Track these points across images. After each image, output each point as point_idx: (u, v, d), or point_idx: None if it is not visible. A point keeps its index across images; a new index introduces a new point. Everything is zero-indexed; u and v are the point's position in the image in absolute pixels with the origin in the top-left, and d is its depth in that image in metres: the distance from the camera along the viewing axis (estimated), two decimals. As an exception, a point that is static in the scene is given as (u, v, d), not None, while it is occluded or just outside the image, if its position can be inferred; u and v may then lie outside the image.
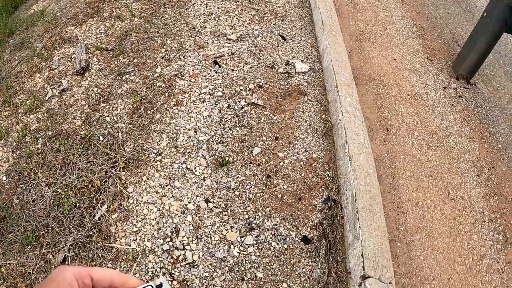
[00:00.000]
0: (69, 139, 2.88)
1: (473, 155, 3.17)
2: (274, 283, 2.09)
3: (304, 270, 2.14)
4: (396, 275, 2.31)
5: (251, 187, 2.44)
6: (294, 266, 2.15)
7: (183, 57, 3.12)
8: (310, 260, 2.19)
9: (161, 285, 0.56)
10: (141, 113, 2.90)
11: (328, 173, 2.54)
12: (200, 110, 2.79)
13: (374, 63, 3.43)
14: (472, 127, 3.37)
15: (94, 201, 2.43)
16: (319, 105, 2.85)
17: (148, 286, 0.54)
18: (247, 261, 2.17)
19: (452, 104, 3.46)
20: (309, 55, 3.17)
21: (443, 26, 4.31)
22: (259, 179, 2.47)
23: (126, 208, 2.47)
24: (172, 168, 2.57)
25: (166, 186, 2.52)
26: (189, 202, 2.42)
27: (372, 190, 2.35)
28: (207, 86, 2.91)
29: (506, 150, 3.37)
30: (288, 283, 2.10)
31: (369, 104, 3.04)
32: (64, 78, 3.43)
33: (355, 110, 2.67)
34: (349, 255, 2.10)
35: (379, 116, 2.99)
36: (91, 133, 2.87)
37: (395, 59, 3.57)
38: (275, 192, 2.42)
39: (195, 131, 2.70)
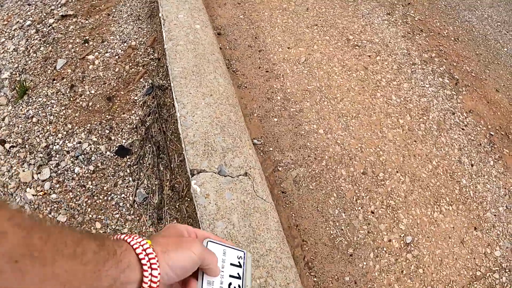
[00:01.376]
0: None
1: (377, -7, 2.37)
2: (85, 225, 1.44)
3: (124, 196, 1.47)
4: (274, 163, 1.58)
5: (52, 107, 1.81)
6: (109, 193, 1.49)
7: (1, 6, 2.60)
8: (131, 178, 1.52)
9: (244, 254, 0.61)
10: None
11: (153, 56, 1.86)
12: (6, 48, 2.22)
13: None
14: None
15: None
16: (146, -11, 2.19)
17: (242, 251, 0.61)
18: (45, 204, 1.53)
19: None
20: None
21: None
22: (62, 94, 1.84)
23: None
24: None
25: None
26: (-13, 153, 1.82)
27: (199, 47, 1.64)
28: (18, 22, 2.34)
29: None
30: (104, 221, 1.44)
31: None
32: None
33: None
34: (187, 150, 1.37)
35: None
36: None
37: None
38: (80, 103, 1.77)
39: (0, 72, 2.13)
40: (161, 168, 1.53)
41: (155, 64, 1.82)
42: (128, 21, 2.04)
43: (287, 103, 1.74)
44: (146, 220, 1.43)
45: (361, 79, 1.84)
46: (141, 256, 0.46)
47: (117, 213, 1.45)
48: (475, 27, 2.36)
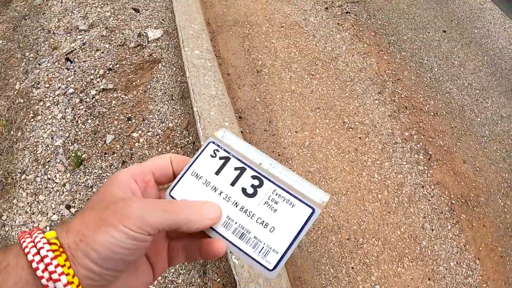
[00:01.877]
0: None
1: (371, 72, 2.85)
2: None
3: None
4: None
5: (108, 179, 2.25)
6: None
7: (39, 64, 2.93)
8: None
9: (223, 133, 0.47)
10: (5, 137, 2.75)
11: (188, 139, 2.31)
12: (54, 114, 2.61)
13: (240, 5, 3.12)
14: (365, 42, 3.04)
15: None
16: (174, 68, 2.60)
17: (209, 142, 0.47)
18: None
19: (338, 23, 3.12)
20: (163, 19, 2.90)
21: None
22: (115, 167, 2.28)
23: (4, 236, 2.35)
24: (36, 183, 2.42)
25: (33, 203, 2.37)
26: (53, 214, 2.27)
27: None
28: (60, 87, 2.71)
29: (412, 57, 3.03)
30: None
31: (234, 50, 2.75)
32: None
33: (205, 61, 2.41)
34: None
35: (247, 59, 2.71)
36: None
37: (266, -7, 3.24)
38: (132, 177, 2.22)
39: (52, 138, 2.52)
40: None
41: (191, 146, 2.29)
42: (163, 100, 2.46)
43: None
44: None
45: (352, 160, 2.36)
46: (34, 264, 0.31)
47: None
48: (454, 99, 2.80)
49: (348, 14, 3.14)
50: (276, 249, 0.40)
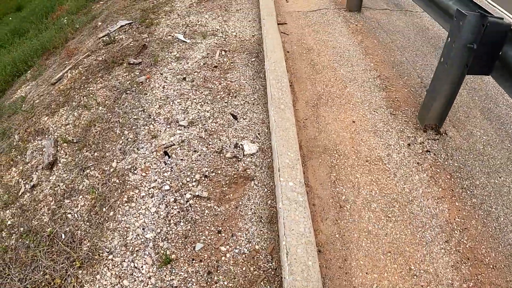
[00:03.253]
0: (37, 235, 3.00)
1: (442, 219, 3.02)
2: None
3: None
4: None
5: (192, 284, 2.44)
6: None
7: (137, 149, 3.22)
8: None
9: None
10: (97, 211, 3.00)
11: (271, 264, 2.50)
12: (148, 206, 2.84)
13: (331, 130, 3.39)
14: (441, 185, 3.23)
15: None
16: (266, 190, 2.84)
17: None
18: None
19: (418, 162, 3.35)
20: (259, 133, 3.19)
21: (410, 71, 4.23)
22: (201, 275, 2.47)
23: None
24: (122, 267, 2.61)
25: (117, 285, 2.56)
26: (135, 304, 2.44)
27: (309, 285, 2.30)
28: (156, 180, 2.97)
29: (481, 205, 3.18)
30: None
31: (321, 180, 2.99)
32: (35, 173, 3.60)
33: (297, 195, 2.65)
34: None
35: (332, 192, 2.94)
36: (55, 231, 2.99)
37: (354, 122, 3.53)
38: (216, 292, 2.41)
39: (143, 229, 2.74)
40: None
41: (272, 273, 2.48)
42: (252, 219, 2.68)
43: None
44: None
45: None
46: None
47: None
48: (514, 252, 2.90)
49: (428, 153, 3.37)
50: None
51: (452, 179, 3.30)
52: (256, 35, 4.91)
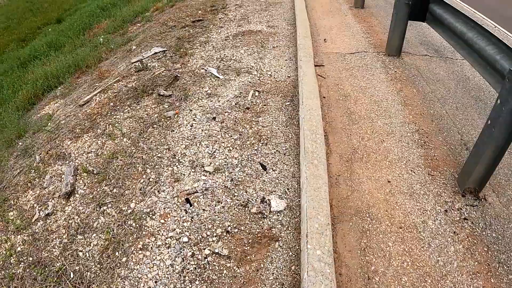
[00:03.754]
0: (46, 269, 2.86)
1: (477, 299, 2.73)
2: None
3: None
4: None
5: None
6: None
7: (158, 191, 3.05)
8: None
9: None
10: (109, 254, 2.83)
11: None
12: (164, 258, 2.66)
13: (364, 190, 3.16)
14: (477, 259, 2.94)
15: None
16: (291, 253, 2.61)
17: None
18: None
19: (454, 232, 3.07)
20: (288, 189, 2.98)
21: (450, 127, 3.98)
22: None
23: None
24: (129, 323, 2.43)
25: None
26: None
27: None
28: (175, 229, 2.79)
29: None
30: None
31: (350, 247, 2.75)
32: (51, 200, 3.48)
33: (324, 266, 2.41)
34: None
35: (361, 261, 2.69)
36: (64, 267, 2.84)
37: (389, 182, 3.29)
38: None
39: (156, 282, 2.55)
40: None
41: None
42: (273, 286, 2.44)
43: None
44: None
45: None
46: None
47: None
48: None
49: (465, 220, 3.09)
50: None
51: (489, 252, 3.02)
52: (292, 76, 4.76)
